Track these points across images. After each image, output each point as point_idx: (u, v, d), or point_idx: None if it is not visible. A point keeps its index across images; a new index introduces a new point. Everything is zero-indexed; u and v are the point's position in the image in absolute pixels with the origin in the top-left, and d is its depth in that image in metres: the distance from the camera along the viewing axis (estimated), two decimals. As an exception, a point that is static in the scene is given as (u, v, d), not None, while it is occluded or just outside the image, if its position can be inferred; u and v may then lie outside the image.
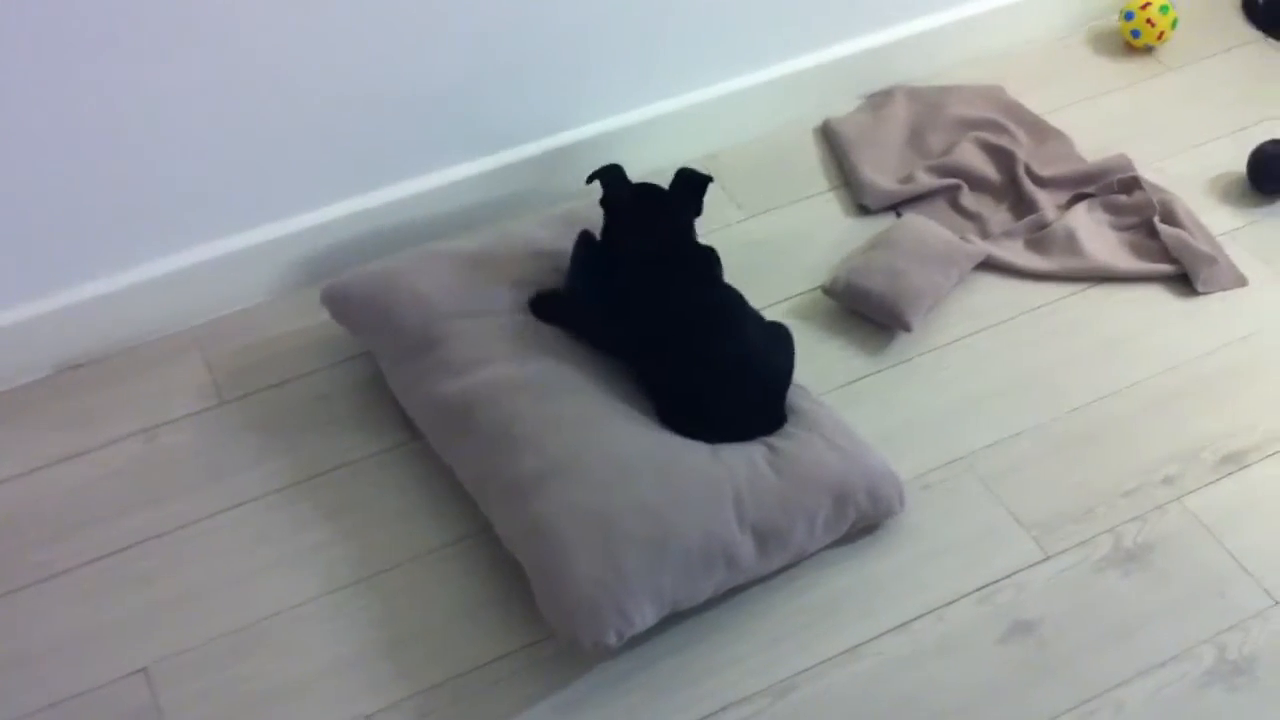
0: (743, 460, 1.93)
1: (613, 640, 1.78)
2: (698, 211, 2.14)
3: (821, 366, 2.21)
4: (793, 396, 2.06)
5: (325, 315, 2.20)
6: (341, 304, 2.17)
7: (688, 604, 1.86)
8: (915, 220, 2.41)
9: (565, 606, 1.78)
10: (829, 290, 2.32)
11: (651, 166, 2.39)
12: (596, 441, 1.91)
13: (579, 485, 1.86)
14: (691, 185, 2.12)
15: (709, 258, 2.11)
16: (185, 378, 2.21)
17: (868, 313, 2.29)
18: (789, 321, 2.25)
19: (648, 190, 2.13)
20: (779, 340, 2.09)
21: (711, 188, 2.13)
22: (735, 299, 2.08)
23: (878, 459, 2.00)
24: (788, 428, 2.01)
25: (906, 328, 2.25)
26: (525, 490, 1.87)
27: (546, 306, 2.12)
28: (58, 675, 1.84)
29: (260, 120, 2.15)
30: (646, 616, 1.81)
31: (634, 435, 1.93)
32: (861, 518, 1.96)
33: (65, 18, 1.89)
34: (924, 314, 2.28)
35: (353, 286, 2.16)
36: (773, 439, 1.99)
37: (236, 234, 2.26)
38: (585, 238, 2.11)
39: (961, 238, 2.39)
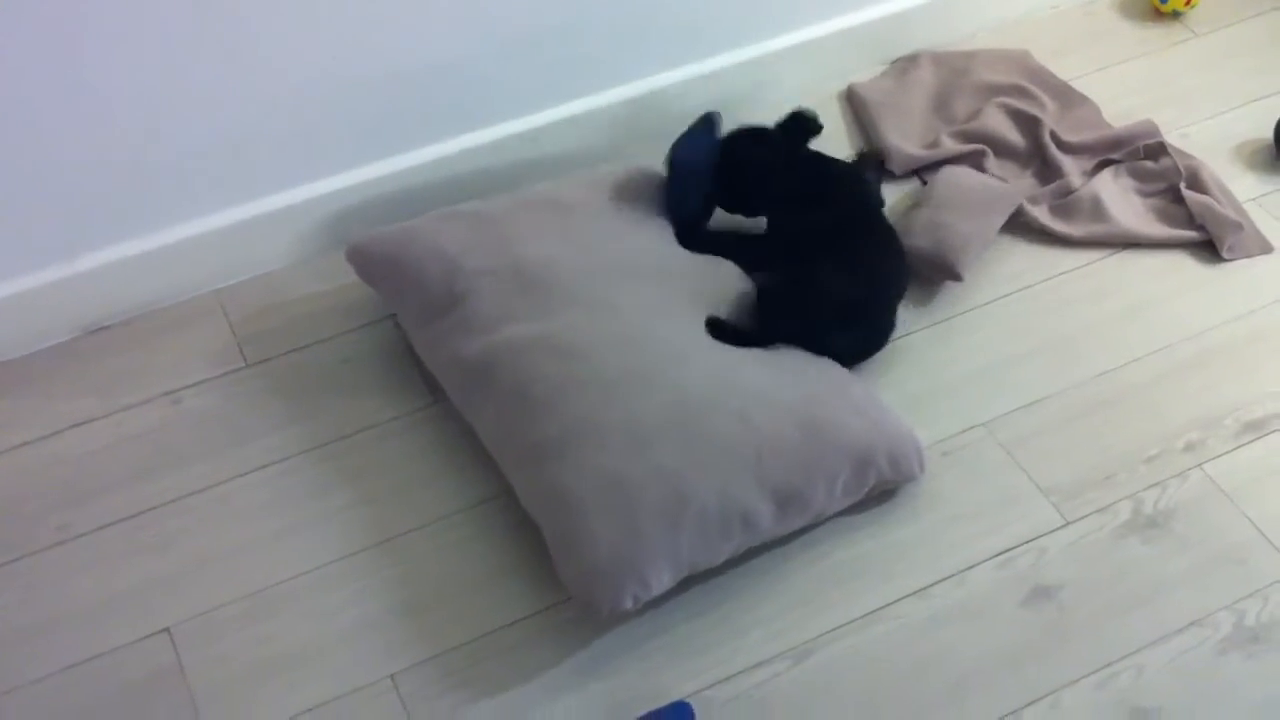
0: (765, 421, 1.92)
1: (630, 605, 1.79)
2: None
3: (843, 332, 2.20)
4: (816, 360, 2.07)
5: (348, 279, 2.21)
6: (366, 260, 2.17)
7: (705, 566, 1.86)
8: (952, 172, 2.41)
9: (583, 571, 1.79)
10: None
11: (670, 133, 2.37)
12: (616, 403, 1.91)
13: (597, 449, 1.86)
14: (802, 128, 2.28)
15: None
16: (209, 341, 2.22)
17: (916, 270, 2.27)
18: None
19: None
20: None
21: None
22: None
23: (899, 423, 2.00)
24: (811, 390, 2.00)
25: (957, 278, 2.25)
26: (544, 454, 1.88)
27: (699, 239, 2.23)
28: (81, 635, 1.86)
29: (284, 85, 2.15)
30: (664, 580, 1.81)
31: (655, 395, 1.92)
32: (881, 482, 1.97)
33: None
34: (974, 261, 2.28)
35: (377, 243, 2.17)
36: (795, 401, 1.96)
37: (260, 198, 2.27)
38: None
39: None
